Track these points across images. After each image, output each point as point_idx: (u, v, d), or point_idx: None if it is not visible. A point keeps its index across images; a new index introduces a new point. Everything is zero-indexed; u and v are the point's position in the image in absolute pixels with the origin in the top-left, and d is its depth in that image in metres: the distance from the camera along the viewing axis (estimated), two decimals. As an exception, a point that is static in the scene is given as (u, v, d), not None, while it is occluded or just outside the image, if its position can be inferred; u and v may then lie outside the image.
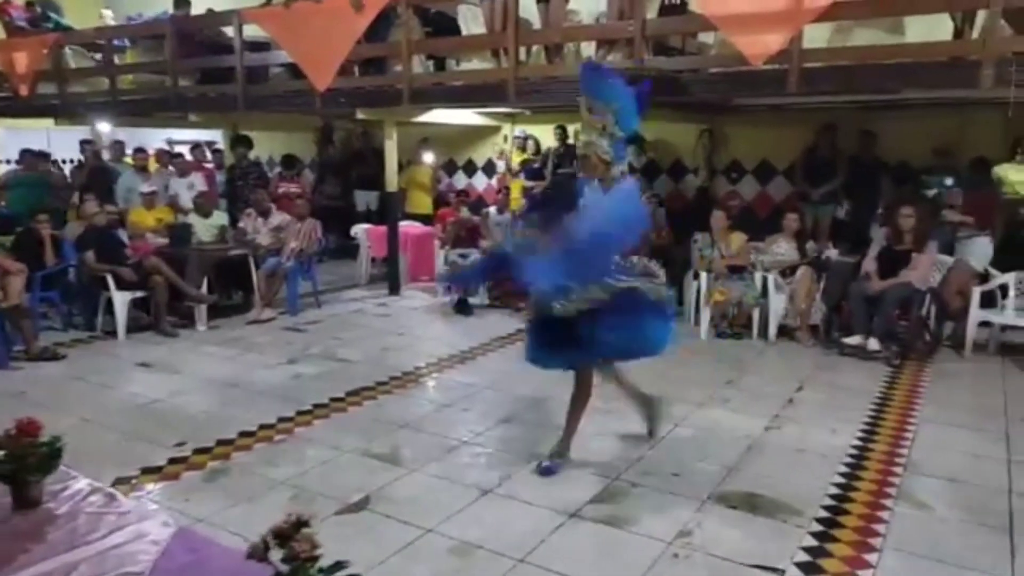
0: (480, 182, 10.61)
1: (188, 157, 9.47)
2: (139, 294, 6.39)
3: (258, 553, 1.18)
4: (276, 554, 1.18)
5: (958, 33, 5.31)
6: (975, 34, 5.19)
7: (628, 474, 3.69)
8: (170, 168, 8.87)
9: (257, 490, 3.51)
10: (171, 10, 8.92)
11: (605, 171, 3.54)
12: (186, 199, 8.10)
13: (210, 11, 9.03)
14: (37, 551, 1.38)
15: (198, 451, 3.95)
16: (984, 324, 5.84)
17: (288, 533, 1.20)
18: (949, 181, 6.56)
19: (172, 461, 3.83)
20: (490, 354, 5.95)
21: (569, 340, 3.45)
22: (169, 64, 8.37)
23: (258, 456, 3.92)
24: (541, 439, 4.12)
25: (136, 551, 1.37)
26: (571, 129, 9.22)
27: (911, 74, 5.19)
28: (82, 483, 1.75)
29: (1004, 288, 5.84)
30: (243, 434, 4.18)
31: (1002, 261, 6.01)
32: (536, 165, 9.36)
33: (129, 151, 9.17)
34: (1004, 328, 5.90)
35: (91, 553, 1.37)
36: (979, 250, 6.00)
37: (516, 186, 9.43)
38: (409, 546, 3.02)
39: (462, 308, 7.30)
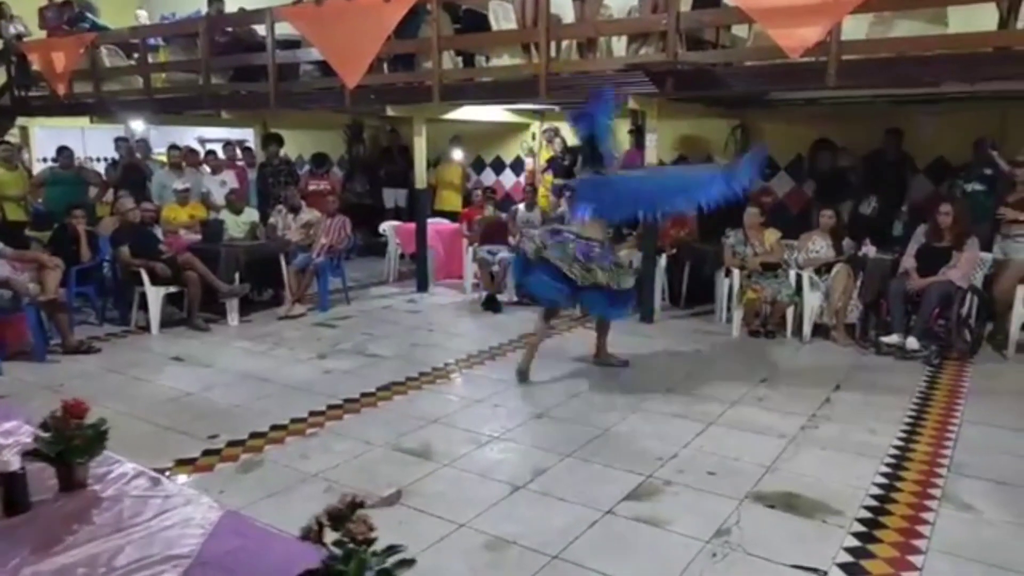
0: (508, 179, 10.59)
1: (220, 155, 9.58)
2: (172, 289, 6.46)
3: (313, 535, 1.16)
4: (328, 537, 1.17)
5: (1003, 23, 5.16)
6: (1020, 24, 5.05)
7: (662, 472, 3.64)
8: (204, 167, 8.98)
9: (290, 483, 3.51)
10: (204, 9, 9.05)
11: None
12: (218, 196, 8.19)
13: (242, 10, 9.14)
14: (83, 533, 1.38)
15: (231, 443, 3.97)
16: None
17: (343, 515, 1.17)
18: (988, 171, 6.39)
19: (206, 453, 3.86)
20: (520, 351, 5.87)
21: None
22: (202, 62, 8.47)
23: (290, 449, 3.92)
24: (575, 435, 4.09)
25: (183, 534, 1.36)
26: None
27: (954, 66, 5.06)
28: (127, 466, 1.76)
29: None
30: (275, 427, 4.20)
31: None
32: (565, 162, 9.29)
33: (159, 149, 9.28)
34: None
35: (138, 535, 1.36)
36: None
37: (546, 181, 9.40)
38: (443, 540, 3.00)
39: (491, 305, 7.27)
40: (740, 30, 6.45)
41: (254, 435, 4.08)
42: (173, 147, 9.01)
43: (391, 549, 1.23)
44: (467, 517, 3.17)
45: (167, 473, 3.59)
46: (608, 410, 4.49)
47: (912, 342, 5.45)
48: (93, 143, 11.70)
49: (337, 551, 1.15)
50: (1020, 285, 5.59)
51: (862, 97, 7.05)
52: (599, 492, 3.41)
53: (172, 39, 9.26)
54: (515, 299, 7.58)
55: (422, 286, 8.23)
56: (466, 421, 4.37)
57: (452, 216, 9.40)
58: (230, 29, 8.70)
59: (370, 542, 1.16)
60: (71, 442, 1.61)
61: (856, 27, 5.34)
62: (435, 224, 8.85)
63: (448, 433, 4.18)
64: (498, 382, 5.10)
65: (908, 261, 5.75)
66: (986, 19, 5.19)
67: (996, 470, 3.65)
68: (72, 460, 1.63)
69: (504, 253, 7.53)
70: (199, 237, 7.30)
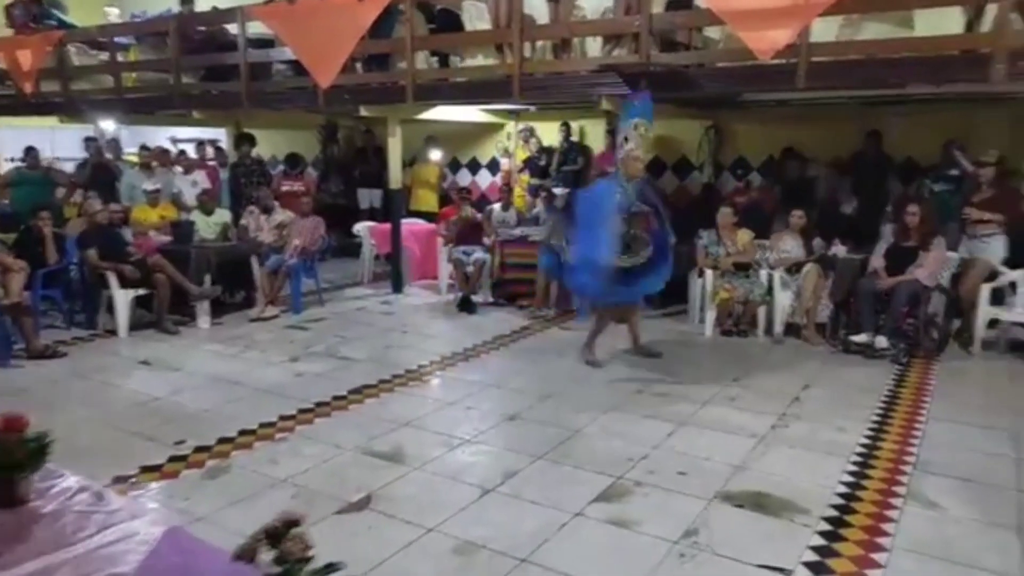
0: (484, 180, 10.57)
1: (192, 155, 9.47)
2: (141, 292, 6.37)
3: (247, 554, 1.13)
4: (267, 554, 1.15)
5: (969, 26, 5.24)
6: (985, 27, 5.12)
7: (633, 473, 3.64)
8: (176, 167, 8.87)
9: (258, 489, 3.47)
10: (175, 7, 8.93)
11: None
12: (190, 196, 8.09)
13: (215, 8, 9.03)
14: (23, 550, 1.34)
15: (198, 449, 3.92)
16: (993, 322, 5.77)
17: (279, 533, 1.15)
18: (955, 172, 6.49)
19: (172, 459, 3.80)
20: (494, 352, 5.90)
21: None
22: (173, 62, 8.36)
23: (259, 454, 3.88)
24: (546, 437, 4.09)
25: (124, 551, 1.33)
26: (575, 126, 9.18)
27: (921, 68, 5.12)
28: (70, 480, 1.71)
29: (1013, 285, 5.76)
30: (244, 432, 4.15)
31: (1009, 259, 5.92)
32: (541, 162, 9.30)
33: (130, 149, 9.15)
34: (1013, 325, 5.81)
35: (77, 553, 1.33)
36: (997, 248, 5.88)
37: (522, 181, 9.39)
38: (411, 545, 2.98)
39: (465, 306, 7.25)
40: (713, 32, 6.50)
41: (222, 440, 4.03)
42: (144, 147, 8.89)
43: (330, 567, 1.21)
44: (436, 521, 3.16)
45: (132, 480, 3.55)
46: (580, 411, 4.49)
47: (881, 341, 5.53)
48: (62, 143, 11.49)
49: (275, 569, 1.13)
50: (985, 284, 5.69)
51: (833, 98, 7.13)
52: (569, 494, 3.41)
53: (143, 38, 9.12)
54: (490, 300, 7.57)
55: (397, 287, 8.19)
56: (438, 424, 4.35)
57: (428, 216, 9.36)
58: (202, 28, 8.59)
59: (307, 560, 1.13)
60: (11, 456, 1.56)
61: (825, 29, 5.39)
62: (410, 224, 8.81)
63: (419, 436, 4.16)
64: (471, 384, 5.08)
65: (877, 261, 5.82)
66: (952, 23, 5.27)
67: (961, 467, 3.70)
68: (12, 475, 1.58)
69: (479, 254, 7.51)
70: (169, 238, 7.20)
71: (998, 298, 5.76)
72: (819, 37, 5.30)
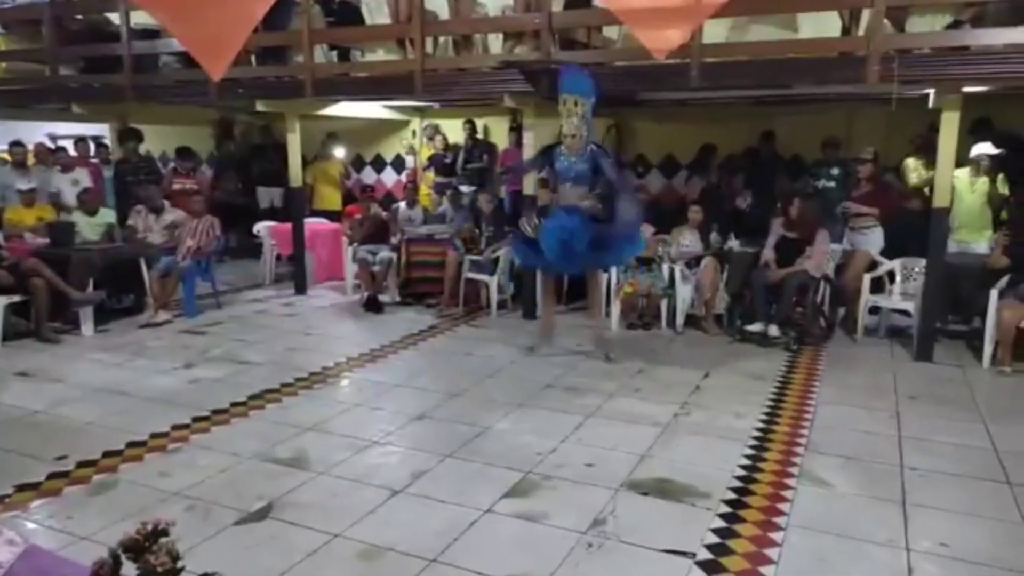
0: (389, 177, 10.41)
1: (72, 152, 8.86)
2: (16, 299, 5.90)
3: (105, 569, 1.04)
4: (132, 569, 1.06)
5: (846, 31, 5.56)
6: (860, 32, 5.45)
7: (542, 467, 3.66)
8: (54, 165, 8.25)
9: (148, 503, 3.27)
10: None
11: (582, 146, 5.12)
12: (70, 196, 7.56)
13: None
14: None
15: (82, 464, 3.66)
16: (874, 309, 6.15)
17: (141, 545, 1.06)
18: (835, 171, 6.89)
19: (52, 476, 3.53)
20: (402, 352, 5.81)
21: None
22: (48, 52, 7.80)
23: (149, 467, 3.66)
24: (456, 435, 4.05)
25: (-25, 576, 1.20)
26: (480, 124, 9.18)
27: (803, 69, 5.40)
28: None
29: (892, 274, 6.17)
30: (133, 444, 3.90)
31: (887, 249, 6.34)
32: (447, 160, 9.25)
33: (1, 146, 8.47)
34: (892, 312, 6.21)
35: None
36: (876, 240, 6.28)
37: (427, 179, 9.31)
38: (315, 553, 2.88)
39: (372, 306, 7.11)
40: (611, 31, 6.63)
41: (108, 454, 3.78)
42: (16, 143, 8.22)
43: (206, 577, 1.14)
44: (343, 526, 3.07)
45: (6, 500, 3.27)
46: (489, 409, 4.48)
47: (773, 329, 5.80)
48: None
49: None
50: (866, 274, 6.06)
51: (728, 99, 7.42)
52: (478, 491, 3.38)
53: (12, 25, 8.45)
54: (398, 299, 7.45)
55: (300, 288, 7.94)
56: (344, 426, 4.23)
57: (332, 215, 9.13)
58: (80, 16, 8.04)
59: (176, 572, 1.05)
60: None
61: (717, 32, 5.60)
62: (314, 224, 8.56)
63: (324, 440, 4.03)
64: (379, 384, 4.99)
65: (768, 253, 6.10)
66: (833, 27, 5.58)
67: (847, 446, 3.92)
68: None
69: (385, 253, 7.38)
70: (47, 241, 6.70)
71: (878, 287, 6.15)
72: (711, 38, 5.51)
